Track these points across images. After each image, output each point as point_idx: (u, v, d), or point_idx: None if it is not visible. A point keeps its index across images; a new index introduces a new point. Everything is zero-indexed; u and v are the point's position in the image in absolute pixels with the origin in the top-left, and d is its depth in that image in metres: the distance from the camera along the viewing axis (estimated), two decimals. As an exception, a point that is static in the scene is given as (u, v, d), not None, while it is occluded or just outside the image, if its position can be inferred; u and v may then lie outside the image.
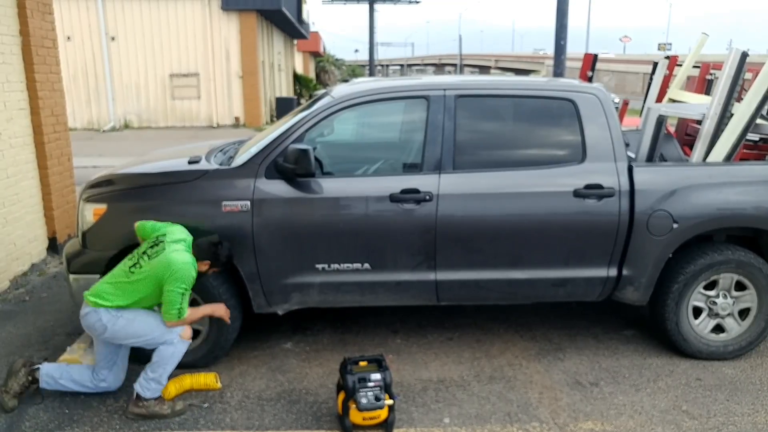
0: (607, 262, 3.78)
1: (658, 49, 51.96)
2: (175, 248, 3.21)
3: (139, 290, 3.20)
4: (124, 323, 3.20)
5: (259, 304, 3.79)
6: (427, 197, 3.62)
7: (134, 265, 3.24)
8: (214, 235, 3.43)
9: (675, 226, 3.66)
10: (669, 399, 3.52)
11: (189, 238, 3.35)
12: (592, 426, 3.27)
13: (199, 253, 3.30)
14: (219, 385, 3.61)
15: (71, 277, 3.76)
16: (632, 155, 4.37)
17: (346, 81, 8.97)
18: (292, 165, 3.49)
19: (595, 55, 6.92)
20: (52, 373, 3.39)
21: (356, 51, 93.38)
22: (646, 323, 4.44)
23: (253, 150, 3.76)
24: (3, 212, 5.22)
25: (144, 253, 3.26)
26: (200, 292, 3.65)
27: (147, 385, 3.25)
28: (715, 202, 3.71)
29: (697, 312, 3.91)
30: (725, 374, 3.80)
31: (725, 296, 3.87)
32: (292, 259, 3.66)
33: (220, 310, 3.48)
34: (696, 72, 6.15)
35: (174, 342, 3.24)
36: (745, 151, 5.08)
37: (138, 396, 3.27)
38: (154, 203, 3.67)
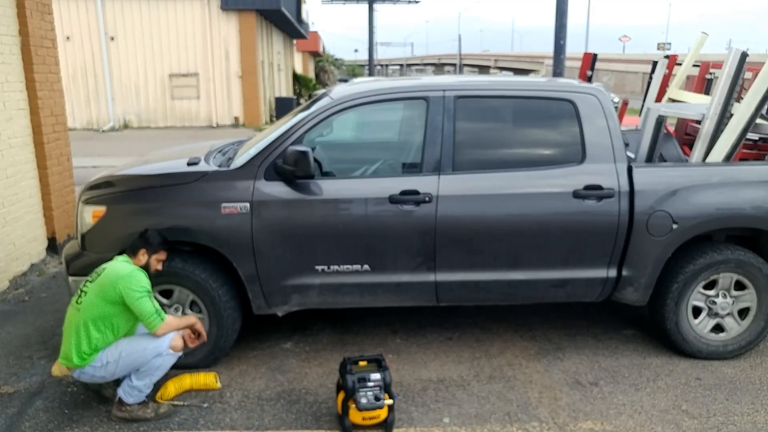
0: (606, 262, 3.78)
1: (658, 48, 51.94)
2: (112, 264, 3.25)
3: (97, 320, 3.14)
4: (114, 366, 3.18)
5: (259, 306, 3.79)
6: (427, 198, 3.62)
7: (78, 297, 3.24)
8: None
9: (674, 226, 3.66)
10: (669, 398, 3.53)
11: (124, 258, 3.32)
12: (592, 425, 3.27)
13: (133, 250, 3.30)
14: (219, 385, 3.61)
15: (70, 279, 3.76)
16: (632, 155, 4.37)
17: (344, 81, 8.96)
18: (291, 167, 3.49)
19: (595, 55, 6.92)
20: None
21: (356, 51, 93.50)
22: (646, 323, 4.45)
23: (253, 151, 3.76)
24: (2, 212, 5.22)
25: (84, 284, 3.27)
26: (200, 294, 3.66)
27: (130, 392, 3.24)
28: (715, 202, 3.71)
29: (696, 312, 3.91)
30: (725, 374, 3.80)
31: (725, 296, 3.88)
32: (291, 260, 3.66)
33: (199, 323, 3.45)
34: (696, 71, 6.15)
35: (163, 353, 3.20)
36: (744, 151, 5.08)
37: (121, 400, 3.27)
38: (153, 205, 3.67)
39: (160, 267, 3.41)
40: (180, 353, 3.30)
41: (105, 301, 3.15)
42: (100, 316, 3.16)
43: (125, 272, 3.17)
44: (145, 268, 3.32)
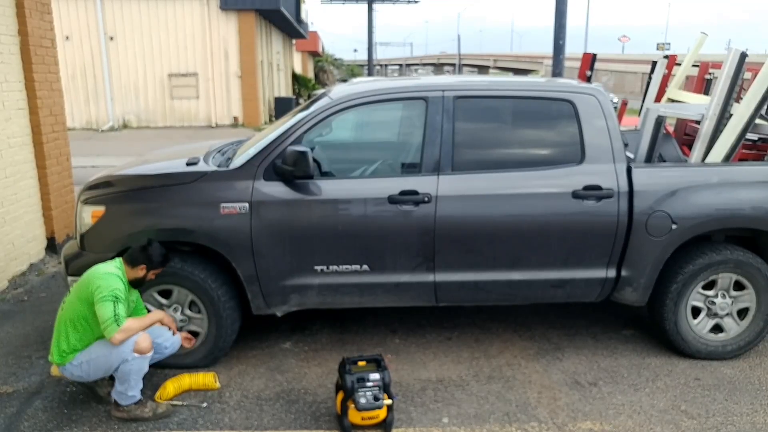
0: (605, 263, 3.78)
1: (657, 48, 51.95)
2: (98, 265, 3.26)
3: (74, 319, 3.17)
4: (87, 366, 3.19)
5: (258, 306, 3.79)
6: (426, 199, 3.62)
7: (66, 296, 3.27)
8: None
9: (674, 227, 3.67)
10: (668, 399, 3.53)
11: (117, 261, 3.32)
12: (591, 426, 3.28)
13: (132, 260, 3.28)
14: (218, 384, 3.61)
15: (70, 279, 3.75)
16: (631, 155, 4.37)
17: (344, 81, 8.96)
18: (290, 167, 3.49)
19: (594, 55, 6.92)
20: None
21: (355, 51, 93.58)
22: (645, 323, 4.45)
23: (252, 152, 3.76)
24: (1, 212, 5.22)
25: (73, 284, 3.30)
26: (199, 294, 3.66)
27: (119, 396, 3.24)
28: (714, 202, 3.71)
29: (695, 312, 3.91)
30: (724, 374, 3.81)
31: (724, 296, 3.88)
32: (290, 261, 3.66)
33: (167, 317, 3.46)
34: (695, 71, 6.15)
35: (128, 359, 3.14)
36: (744, 151, 5.07)
37: (116, 401, 3.27)
38: (152, 205, 3.66)
39: (153, 278, 3.41)
40: (149, 354, 3.21)
41: (80, 301, 3.17)
42: (77, 315, 3.18)
43: (101, 273, 3.18)
44: (140, 279, 3.32)
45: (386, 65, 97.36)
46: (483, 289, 3.84)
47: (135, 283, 3.32)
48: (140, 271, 3.28)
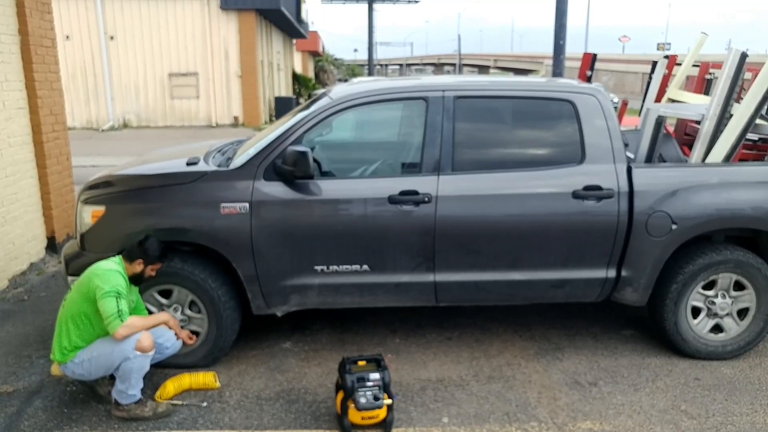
0: (606, 263, 3.78)
1: (657, 49, 51.96)
2: (98, 262, 3.27)
3: (75, 316, 3.18)
4: (88, 364, 3.19)
5: (258, 306, 3.79)
6: (426, 199, 3.62)
7: (67, 294, 3.29)
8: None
9: (674, 227, 3.67)
10: (668, 399, 3.53)
11: (117, 258, 3.34)
12: (591, 425, 3.28)
13: (129, 256, 3.29)
14: (218, 384, 3.61)
15: (70, 278, 3.75)
16: (631, 155, 4.37)
17: (345, 80, 8.97)
18: (290, 167, 3.49)
19: (594, 55, 6.92)
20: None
21: (355, 50, 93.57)
22: (645, 323, 4.45)
23: (252, 151, 3.76)
24: (2, 211, 5.22)
25: (74, 282, 3.32)
26: (199, 293, 3.66)
27: (119, 394, 3.25)
28: (714, 203, 3.71)
29: (695, 312, 3.91)
30: (724, 374, 3.81)
31: (724, 296, 3.88)
32: (290, 260, 3.66)
33: (173, 320, 3.47)
34: (695, 72, 6.15)
35: (130, 357, 3.14)
36: (744, 151, 5.08)
37: (116, 400, 3.27)
38: (153, 205, 3.67)
39: (153, 274, 3.41)
40: (151, 352, 3.22)
41: (82, 298, 3.17)
42: (78, 312, 3.18)
43: (103, 269, 3.19)
44: (139, 275, 3.32)
45: (386, 65, 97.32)
46: (483, 289, 3.84)
47: (134, 280, 3.33)
48: (138, 266, 3.29)
